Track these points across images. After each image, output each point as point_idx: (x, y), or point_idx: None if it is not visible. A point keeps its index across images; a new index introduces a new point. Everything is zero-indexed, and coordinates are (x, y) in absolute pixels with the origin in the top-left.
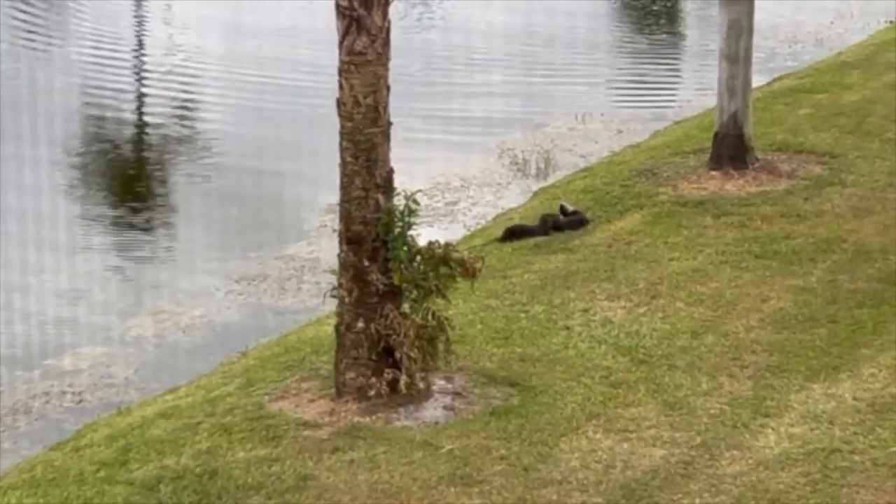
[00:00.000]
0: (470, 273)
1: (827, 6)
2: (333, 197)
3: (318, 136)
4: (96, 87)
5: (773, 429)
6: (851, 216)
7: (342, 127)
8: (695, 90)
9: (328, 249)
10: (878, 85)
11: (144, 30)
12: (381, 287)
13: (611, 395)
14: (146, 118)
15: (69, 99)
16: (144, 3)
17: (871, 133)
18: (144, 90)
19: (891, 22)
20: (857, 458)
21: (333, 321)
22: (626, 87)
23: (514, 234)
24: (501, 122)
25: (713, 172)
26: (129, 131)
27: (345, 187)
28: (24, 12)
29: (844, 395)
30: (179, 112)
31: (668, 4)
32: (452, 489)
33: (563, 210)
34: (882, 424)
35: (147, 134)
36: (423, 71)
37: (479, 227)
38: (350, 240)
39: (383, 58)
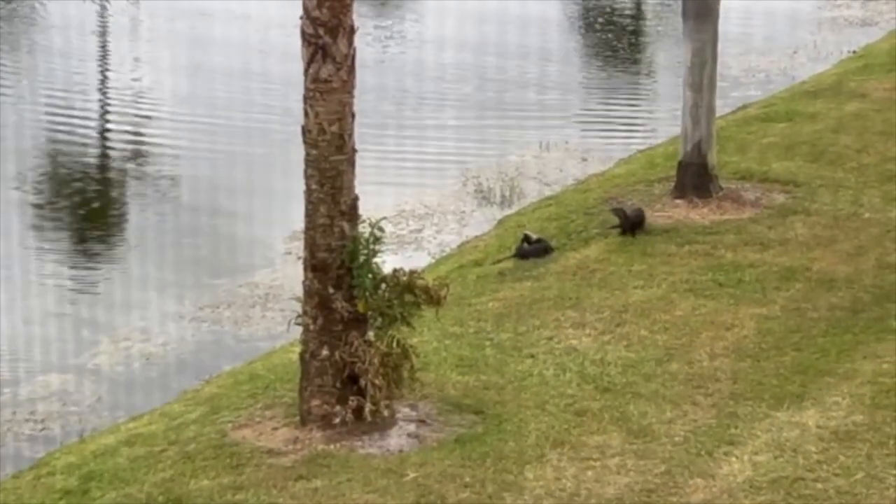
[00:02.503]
0: (435, 301)
1: (791, 35)
2: (298, 224)
3: (286, 157)
4: (53, 122)
5: (737, 457)
6: (815, 245)
7: (307, 154)
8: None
9: (293, 277)
10: (841, 114)
11: (106, 66)
12: (345, 314)
13: (575, 422)
14: (107, 150)
15: (26, 134)
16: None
17: (835, 162)
18: (106, 120)
19: (853, 52)
20: (820, 486)
21: (298, 349)
22: (591, 119)
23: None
24: (466, 151)
25: (677, 201)
26: (90, 158)
27: (310, 214)
28: None
29: (808, 424)
30: (140, 140)
31: (632, 41)
32: None
33: (527, 239)
34: (846, 453)
35: (107, 162)
36: (384, 101)
37: (444, 254)
38: (315, 267)
39: (349, 85)
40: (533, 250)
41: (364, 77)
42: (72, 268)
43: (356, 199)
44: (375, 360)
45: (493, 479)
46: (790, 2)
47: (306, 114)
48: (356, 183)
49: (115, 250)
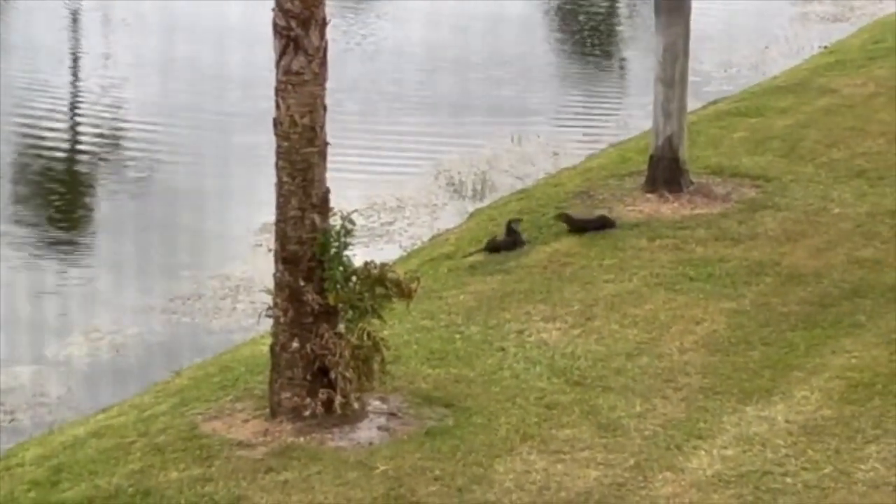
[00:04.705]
0: (406, 294)
1: (762, 31)
2: (269, 216)
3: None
4: (22, 113)
5: (706, 451)
6: (785, 239)
7: (278, 146)
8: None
9: (263, 269)
10: (811, 109)
11: (76, 54)
12: (316, 307)
13: (545, 416)
14: (77, 142)
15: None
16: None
17: (805, 157)
18: (75, 112)
19: (824, 47)
20: (788, 479)
21: (268, 341)
22: (563, 113)
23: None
24: (438, 144)
25: (648, 195)
26: (60, 149)
27: (281, 207)
28: None
29: (777, 418)
30: (111, 132)
31: (604, 36)
32: None
33: (510, 227)
34: (814, 447)
35: (77, 154)
36: (356, 94)
37: (415, 247)
38: (286, 259)
39: (320, 78)
40: (504, 243)
41: (336, 69)
42: (41, 260)
43: (327, 191)
44: (346, 353)
45: (462, 472)
46: None
47: (278, 106)
48: (327, 175)
49: (85, 242)
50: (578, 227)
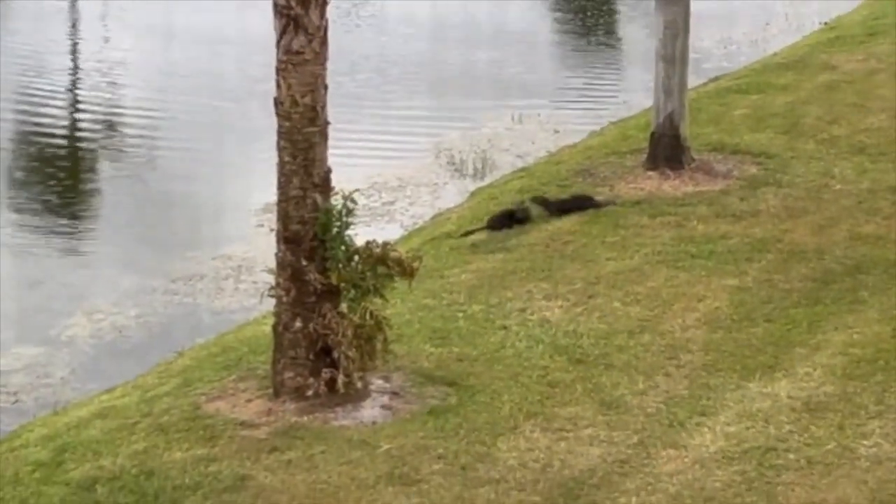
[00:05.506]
0: (408, 273)
1: (763, 7)
2: (270, 197)
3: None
4: (23, 93)
5: (709, 427)
6: (786, 216)
7: (280, 126)
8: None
9: (265, 249)
10: (812, 86)
11: (76, 32)
12: (318, 287)
13: (548, 394)
14: (78, 122)
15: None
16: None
17: (806, 133)
18: (76, 90)
19: (824, 24)
20: (791, 456)
21: (271, 321)
22: (564, 91)
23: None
24: (439, 123)
25: (649, 173)
26: (62, 131)
27: (282, 187)
28: None
29: (780, 394)
30: (112, 111)
31: (605, 14)
32: (390, 488)
33: (544, 201)
34: (816, 423)
35: (79, 135)
36: (357, 73)
37: (417, 226)
38: (287, 239)
39: (321, 57)
40: (505, 220)
41: (336, 47)
42: (43, 241)
43: (329, 171)
44: (349, 332)
45: (466, 450)
46: None
47: (279, 85)
48: (329, 155)
49: (87, 223)
50: (556, 209)
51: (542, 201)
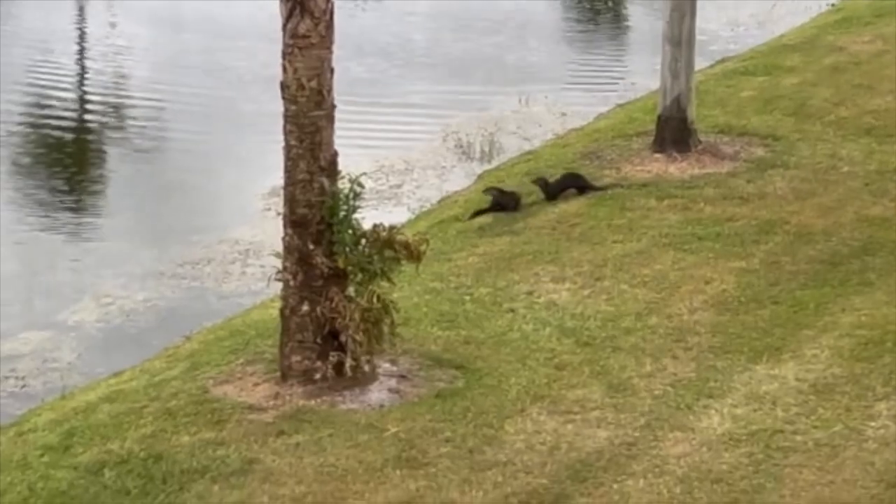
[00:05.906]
0: (415, 256)
1: None
2: (277, 180)
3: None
4: (31, 79)
5: (716, 410)
6: (793, 198)
7: (286, 110)
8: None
9: (272, 233)
10: (819, 68)
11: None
12: (325, 270)
13: (555, 377)
14: (85, 107)
15: (2, 89)
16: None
17: (813, 115)
18: (83, 76)
19: (832, 5)
20: (799, 438)
21: (278, 305)
22: (571, 74)
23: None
24: (446, 106)
25: (656, 155)
26: (69, 116)
27: (289, 170)
28: None
29: (787, 376)
30: (119, 96)
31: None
32: (398, 471)
33: (543, 182)
34: (824, 405)
35: (86, 120)
36: (364, 56)
37: (424, 210)
38: (295, 223)
39: (327, 41)
40: (503, 203)
41: (342, 31)
42: (51, 225)
43: (335, 154)
44: (356, 316)
45: (473, 433)
46: None
47: (285, 69)
48: (335, 138)
49: (95, 207)
50: (553, 191)
51: (543, 183)
